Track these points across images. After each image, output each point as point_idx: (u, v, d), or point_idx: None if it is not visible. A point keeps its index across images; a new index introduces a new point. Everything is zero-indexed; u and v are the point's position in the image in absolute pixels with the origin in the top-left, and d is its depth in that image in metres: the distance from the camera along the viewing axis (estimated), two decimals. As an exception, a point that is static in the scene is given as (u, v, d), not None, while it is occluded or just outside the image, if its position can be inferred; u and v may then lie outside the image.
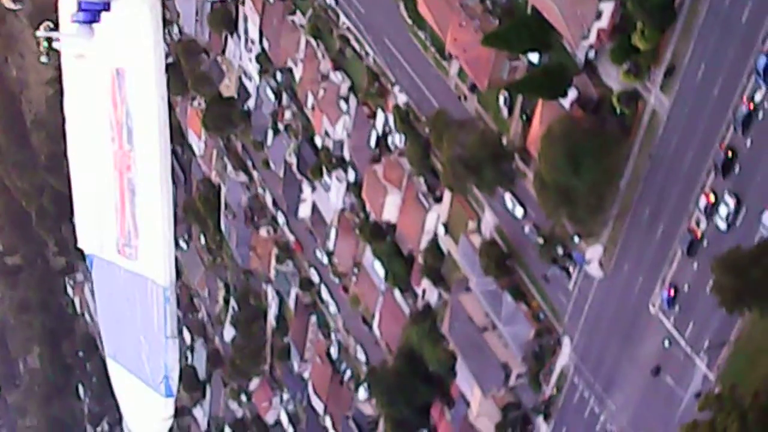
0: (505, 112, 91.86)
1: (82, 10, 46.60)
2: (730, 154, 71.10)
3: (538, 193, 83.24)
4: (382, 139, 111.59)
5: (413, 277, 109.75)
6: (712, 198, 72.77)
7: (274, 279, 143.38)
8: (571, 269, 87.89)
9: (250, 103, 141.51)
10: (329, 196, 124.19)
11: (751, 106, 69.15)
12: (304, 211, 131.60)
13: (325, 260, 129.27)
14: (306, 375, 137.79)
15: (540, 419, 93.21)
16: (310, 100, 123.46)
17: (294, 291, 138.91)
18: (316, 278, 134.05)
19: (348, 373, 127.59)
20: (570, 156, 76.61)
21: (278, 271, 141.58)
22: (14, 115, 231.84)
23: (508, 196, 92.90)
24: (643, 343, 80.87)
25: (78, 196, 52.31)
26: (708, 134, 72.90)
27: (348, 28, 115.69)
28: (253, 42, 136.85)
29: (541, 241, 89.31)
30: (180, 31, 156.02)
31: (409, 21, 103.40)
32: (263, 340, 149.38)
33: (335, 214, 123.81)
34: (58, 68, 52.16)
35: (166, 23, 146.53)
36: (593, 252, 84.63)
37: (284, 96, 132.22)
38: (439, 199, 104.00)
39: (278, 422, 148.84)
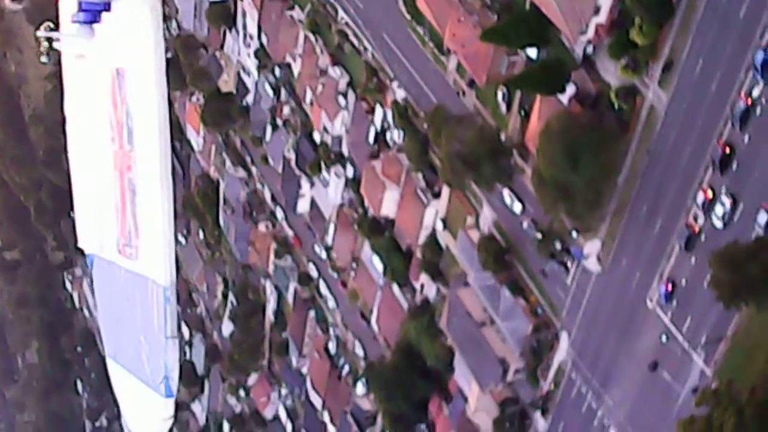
0: (503, 107, 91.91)
1: (82, 10, 46.69)
2: (727, 149, 71.13)
3: (537, 188, 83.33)
4: (380, 135, 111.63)
5: (411, 272, 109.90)
6: (709, 194, 72.89)
7: (273, 274, 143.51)
8: (569, 264, 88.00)
9: (249, 99, 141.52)
10: (328, 191, 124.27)
11: (749, 102, 69.19)
12: (303, 206, 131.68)
13: (324, 255, 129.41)
14: (304, 370, 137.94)
15: (537, 414, 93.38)
16: (309, 95, 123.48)
17: (292, 286, 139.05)
18: (314, 273, 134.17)
19: (346, 368, 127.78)
20: (568, 151, 76.70)
21: (277, 266, 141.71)
22: (13, 109, 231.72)
23: (506, 192, 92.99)
24: (641, 338, 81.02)
25: (78, 195, 52.40)
26: (706, 130, 72.96)
27: (346, 24, 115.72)
28: (251, 37, 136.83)
29: (539, 236, 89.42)
30: (178, 26, 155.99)
31: (408, 16, 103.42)
32: (261, 335, 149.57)
33: (334, 209, 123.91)
34: (57, 63, 52.27)
35: (165, 18, 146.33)
36: (591, 247, 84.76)
37: (283, 91, 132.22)
38: (437, 195, 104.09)
39: (276, 417, 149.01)
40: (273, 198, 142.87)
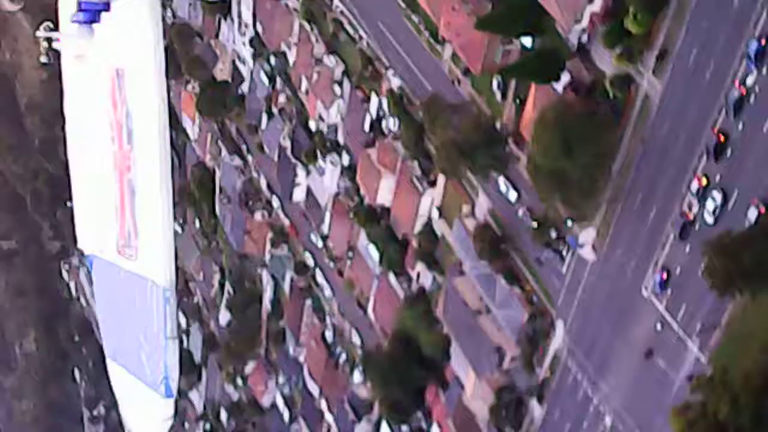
0: (498, 96, 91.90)
1: (81, 10, 46.59)
2: (721, 138, 71.28)
3: (532, 176, 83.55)
4: (376, 123, 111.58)
5: (407, 260, 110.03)
6: (704, 182, 73.06)
7: (269, 263, 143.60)
8: (564, 253, 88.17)
9: (244, 87, 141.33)
10: (324, 180, 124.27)
11: (743, 90, 69.27)
12: (299, 195, 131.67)
13: (320, 244, 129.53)
14: (301, 358, 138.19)
15: (534, 402, 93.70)
16: (304, 84, 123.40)
17: (289, 275, 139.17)
18: (311, 262, 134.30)
19: (343, 356, 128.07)
20: (563, 140, 76.83)
21: (273, 255, 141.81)
22: (8, 98, 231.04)
23: (501, 180, 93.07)
24: (636, 326, 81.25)
25: (78, 196, 52.32)
26: (700, 118, 73.05)
27: (341, 12, 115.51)
28: (246, 26, 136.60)
29: (534, 224, 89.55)
30: (173, 15, 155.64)
31: (403, 5, 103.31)
32: (258, 324, 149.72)
33: (330, 198, 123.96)
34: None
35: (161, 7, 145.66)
36: (586, 235, 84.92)
37: (278, 80, 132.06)
38: (433, 183, 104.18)
39: (274, 405, 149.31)
40: (269, 187, 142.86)
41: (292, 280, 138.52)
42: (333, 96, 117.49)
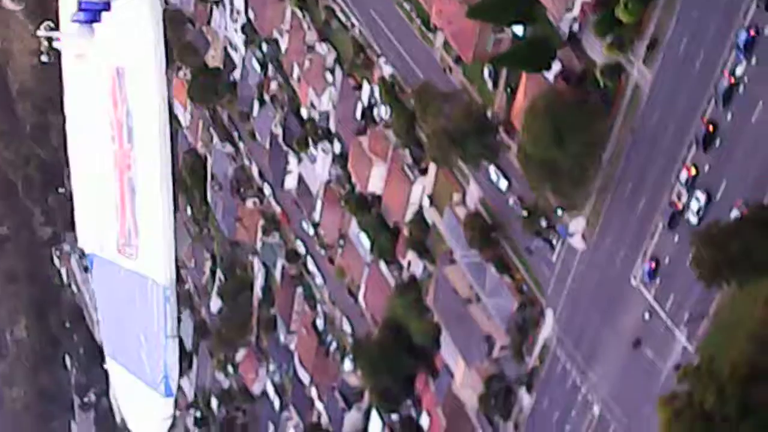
0: (489, 84, 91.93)
1: (82, 9, 46.41)
2: (710, 127, 71.42)
3: (522, 165, 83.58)
4: (367, 111, 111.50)
5: (398, 249, 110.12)
6: (693, 171, 73.19)
7: (261, 250, 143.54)
8: (554, 241, 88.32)
9: (236, 74, 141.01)
10: (315, 167, 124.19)
11: (732, 80, 69.40)
12: (290, 182, 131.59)
13: (311, 232, 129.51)
14: (292, 346, 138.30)
15: (523, 390, 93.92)
16: (296, 71, 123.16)
17: (280, 262, 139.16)
18: (302, 250, 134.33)
19: (334, 344, 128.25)
20: (553, 129, 76.90)
21: (264, 243, 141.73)
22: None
23: (492, 169, 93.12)
24: (624, 315, 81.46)
25: (78, 195, 52.10)
26: (689, 108, 73.14)
27: (333, 0, 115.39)
28: (238, 12, 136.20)
29: (524, 213, 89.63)
30: (165, 1, 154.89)
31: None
32: (250, 312, 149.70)
33: (321, 185, 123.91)
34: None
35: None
36: (576, 224, 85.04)
37: (270, 67, 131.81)
38: (424, 171, 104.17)
39: (265, 393, 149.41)
40: (260, 174, 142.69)
41: (283, 267, 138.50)
42: (325, 83, 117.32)
